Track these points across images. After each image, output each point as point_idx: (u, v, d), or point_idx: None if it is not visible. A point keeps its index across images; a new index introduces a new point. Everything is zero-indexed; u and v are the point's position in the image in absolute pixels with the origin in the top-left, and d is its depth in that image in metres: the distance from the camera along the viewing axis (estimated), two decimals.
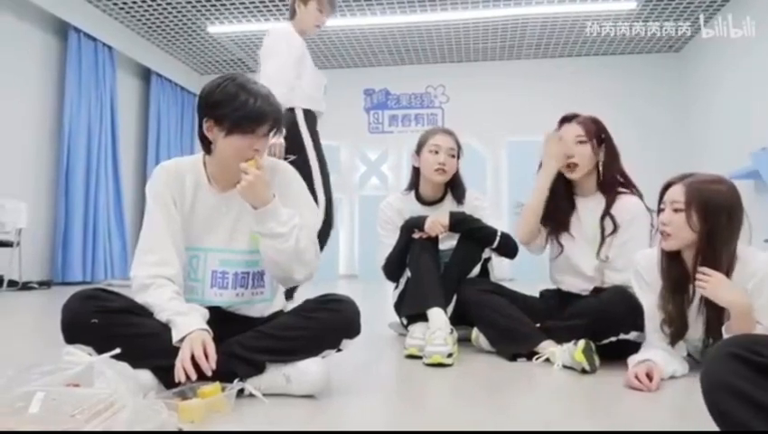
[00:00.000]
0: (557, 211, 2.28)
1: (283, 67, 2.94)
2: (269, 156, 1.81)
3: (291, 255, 1.61)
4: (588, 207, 2.25)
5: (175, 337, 1.46)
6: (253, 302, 1.72)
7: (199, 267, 1.67)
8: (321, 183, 3.04)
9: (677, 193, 1.77)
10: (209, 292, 1.67)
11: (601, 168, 2.23)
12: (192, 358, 1.40)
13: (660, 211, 1.84)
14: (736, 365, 0.93)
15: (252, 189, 1.55)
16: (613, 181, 2.23)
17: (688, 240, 1.76)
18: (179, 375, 1.39)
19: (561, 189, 2.28)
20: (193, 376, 1.40)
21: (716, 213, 1.70)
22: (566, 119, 2.27)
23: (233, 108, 1.55)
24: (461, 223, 2.41)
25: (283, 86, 2.80)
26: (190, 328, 1.46)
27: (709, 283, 1.69)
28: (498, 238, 2.42)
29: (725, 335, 1.67)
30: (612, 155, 2.24)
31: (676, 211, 1.76)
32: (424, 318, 2.23)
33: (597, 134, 2.22)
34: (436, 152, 2.50)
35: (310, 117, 3.11)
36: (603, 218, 2.20)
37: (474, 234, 2.43)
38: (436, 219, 2.39)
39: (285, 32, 3.11)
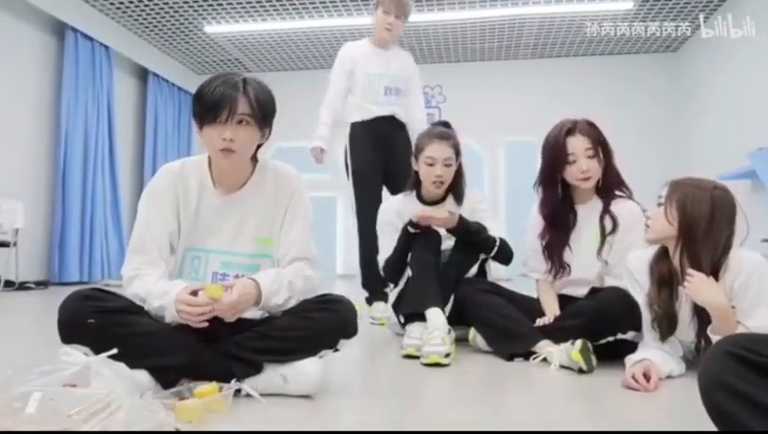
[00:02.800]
0: (559, 234, 2.25)
1: (329, 96, 3.44)
2: (278, 162, 1.78)
3: (298, 299, 1.65)
4: (585, 214, 2.24)
5: (170, 319, 1.50)
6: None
7: (200, 267, 1.67)
8: (353, 193, 3.38)
9: (664, 189, 1.84)
10: None
11: (601, 173, 2.21)
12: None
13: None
14: (734, 364, 0.93)
15: (240, 313, 1.52)
16: (612, 184, 2.22)
17: (664, 233, 1.81)
18: (198, 323, 1.46)
19: (560, 208, 2.25)
20: (207, 316, 1.46)
21: (694, 210, 1.74)
22: (569, 131, 2.19)
23: (197, 102, 1.57)
24: (463, 228, 2.37)
25: (323, 117, 3.40)
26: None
27: (692, 283, 1.72)
28: (495, 249, 2.40)
29: (711, 337, 1.69)
30: (609, 158, 2.22)
31: (659, 205, 1.82)
32: (421, 318, 2.23)
33: (599, 140, 2.19)
34: (432, 164, 2.45)
35: (357, 127, 3.42)
36: (602, 217, 2.19)
37: (474, 240, 2.41)
38: (427, 212, 2.35)
39: (342, 49, 3.54)
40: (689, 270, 1.74)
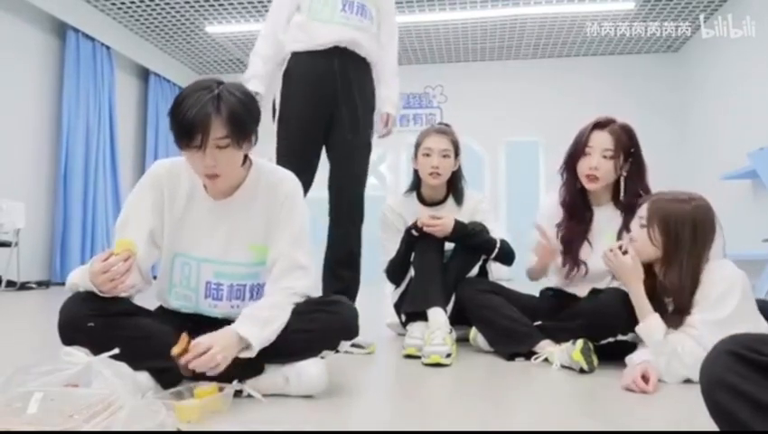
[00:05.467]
0: (577, 227, 2.22)
1: (268, 20, 2.45)
2: (271, 164, 1.74)
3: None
4: (602, 217, 2.22)
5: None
6: None
7: (191, 275, 1.63)
8: (276, 151, 2.38)
9: (642, 210, 1.85)
10: (203, 303, 1.65)
11: (622, 183, 2.16)
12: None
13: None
14: (735, 363, 0.93)
15: (225, 359, 1.40)
16: (632, 197, 2.14)
17: (651, 255, 1.84)
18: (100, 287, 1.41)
19: (579, 201, 2.23)
20: (126, 279, 1.42)
21: (677, 229, 1.78)
22: (599, 125, 2.15)
23: (172, 122, 1.47)
24: (461, 232, 2.35)
25: (258, 47, 2.43)
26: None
27: (614, 262, 1.86)
28: (496, 250, 2.39)
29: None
30: (637, 171, 2.16)
31: (642, 226, 1.84)
32: (422, 317, 2.24)
33: (627, 147, 2.14)
34: (428, 155, 2.46)
35: (299, 60, 2.37)
36: (620, 233, 2.15)
37: (474, 243, 2.39)
38: (424, 220, 2.32)
39: None
40: (613, 247, 1.87)
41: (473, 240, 2.38)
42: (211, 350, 1.38)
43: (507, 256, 2.44)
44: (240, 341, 1.45)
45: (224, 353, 1.40)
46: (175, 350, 1.37)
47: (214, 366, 1.39)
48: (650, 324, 1.79)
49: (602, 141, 2.13)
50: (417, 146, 2.53)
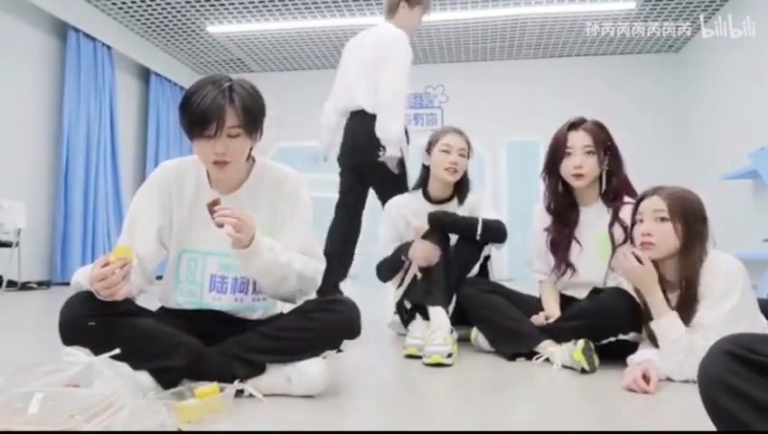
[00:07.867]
0: (564, 229, 2.25)
1: (403, 89, 2.96)
2: (276, 163, 1.76)
3: (300, 278, 1.62)
4: (589, 217, 2.24)
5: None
6: (254, 308, 1.71)
7: (197, 270, 1.66)
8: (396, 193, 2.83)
9: (658, 203, 1.83)
10: (207, 296, 1.66)
11: (604, 177, 2.21)
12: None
13: (634, 223, 1.90)
14: (734, 363, 0.93)
15: (245, 232, 1.47)
16: (617, 190, 2.21)
17: (671, 249, 1.82)
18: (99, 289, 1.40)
19: (564, 203, 2.27)
20: (123, 285, 1.42)
21: (695, 221, 1.80)
22: (573, 126, 2.22)
23: (184, 113, 1.51)
24: (438, 222, 2.39)
25: (400, 110, 2.91)
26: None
27: (625, 266, 1.83)
28: (479, 227, 2.39)
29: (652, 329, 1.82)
30: (616, 163, 2.22)
31: (662, 220, 1.82)
32: (424, 315, 2.24)
33: (604, 141, 2.20)
34: (447, 151, 2.49)
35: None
36: (611, 225, 2.17)
37: (455, 229, 2.42)
38: (421, 249, 2.31)
39: (403, 37, 3.04)
40: (624, 252, 1.84)
41: (448, 219, 2.41)
42: (240, 215, 1.46)
43: (495, 232, 2.43)
44: (253, 238, 1.49)
45: (244, 225, 1.46)
46: (209, 201, 1.48)
47: (234, 225, 1.44)
48: (668, 321, 1.77)
49: (580, 139, 2.19)
50: (434, 142, 2.55)
